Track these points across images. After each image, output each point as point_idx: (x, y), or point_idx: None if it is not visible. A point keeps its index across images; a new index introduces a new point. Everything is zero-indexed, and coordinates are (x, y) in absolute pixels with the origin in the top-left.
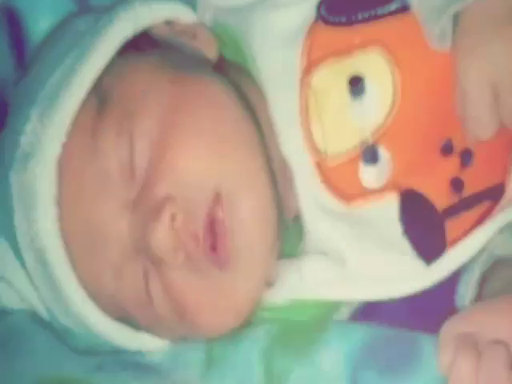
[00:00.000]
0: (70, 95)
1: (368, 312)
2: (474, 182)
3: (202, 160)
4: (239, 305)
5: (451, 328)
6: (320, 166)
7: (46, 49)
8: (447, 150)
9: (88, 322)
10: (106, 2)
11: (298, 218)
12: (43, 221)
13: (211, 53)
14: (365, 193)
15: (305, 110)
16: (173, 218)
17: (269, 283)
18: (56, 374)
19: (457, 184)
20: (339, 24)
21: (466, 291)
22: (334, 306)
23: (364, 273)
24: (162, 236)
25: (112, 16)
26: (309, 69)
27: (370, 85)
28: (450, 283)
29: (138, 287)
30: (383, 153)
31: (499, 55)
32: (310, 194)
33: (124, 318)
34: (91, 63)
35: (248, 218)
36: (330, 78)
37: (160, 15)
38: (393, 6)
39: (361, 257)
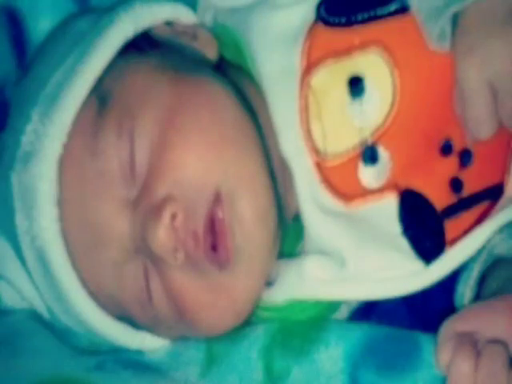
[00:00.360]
0: (70, 95)
1: (367, 311)
2: (474, 182)
3: (202, 160)
4: (239, 304)
5: (450, 327)
6: (319, 166)
7: (47, 49)
8: (446, 150)
9: (88, 321)
10: (106, 2)
11: (297, 218)
12: (44, 220)
13: (211, 53)
14: (364, 193)
15: (304, 111)
16: (173, 217)
17: (268, 282)
18: (56, 373)
19: (456, 184)
20: (339, 25)
21: (464, 290)
22: (334, 305)
23: (363, 272)
24: (162, 235)
25: (113, 16)
26: (308, 69)
27: (369, 85)
28: (449, 282)
29: (138, 286)
30: (382, 153)
31: (498, 55)
32: (309, 193)
33: (124, 317)
34: (92, 63)
35: (248, 218)
36: (330, 79)
37: (160, 16)
38: (392, 7)
39: (360, 256)
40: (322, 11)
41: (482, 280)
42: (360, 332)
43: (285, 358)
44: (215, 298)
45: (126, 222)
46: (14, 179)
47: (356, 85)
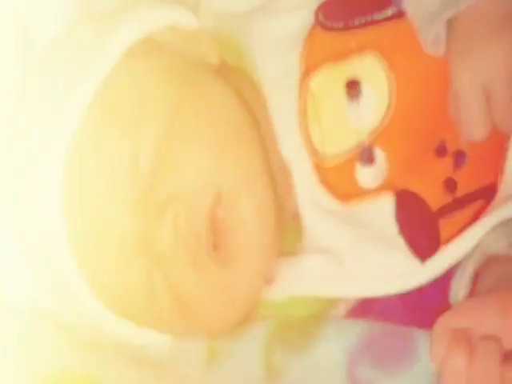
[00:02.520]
0: (75, 99)
1: (364, 308)
2: (467, 182)
3: (204, 161)
4: (239, 302)
5: (444, 323)
6: (318, 167)
7: (52, 53)
8: (441, 151)
9: (93, 317)
10: (110, 8)
11: (297, 217)
12: (49, 219)
13: (213, 57)
14: (361, 193)
15: (303, 113)
16: (175, 217)
17: (268, 280)
18: (61, 369)
19: (450, 184)
20: (337, 29)
21: (459, 288)
22: (332, 302)
23: (361, 270)
24: (164, 235)
25: (116, 21)
26: (307, 72)
27: (366, 88)
28: (444, 280)
29: (141, 285)
30: (379, 154)
31: (491, 59)
32: (308, 193)
33: (128, 313)
34: (96, 67)
35: (248, 218)
36: (328, 82)
37: (163, 21)
38: (389, 12)
39: (357, 255)
40: (321, 16)
41: (476, 277)
42: (357, 328)
43: (284, 353)
44: (216, 296)
45: (130, 221)
46: (20, 179)
47: (353, 88)
